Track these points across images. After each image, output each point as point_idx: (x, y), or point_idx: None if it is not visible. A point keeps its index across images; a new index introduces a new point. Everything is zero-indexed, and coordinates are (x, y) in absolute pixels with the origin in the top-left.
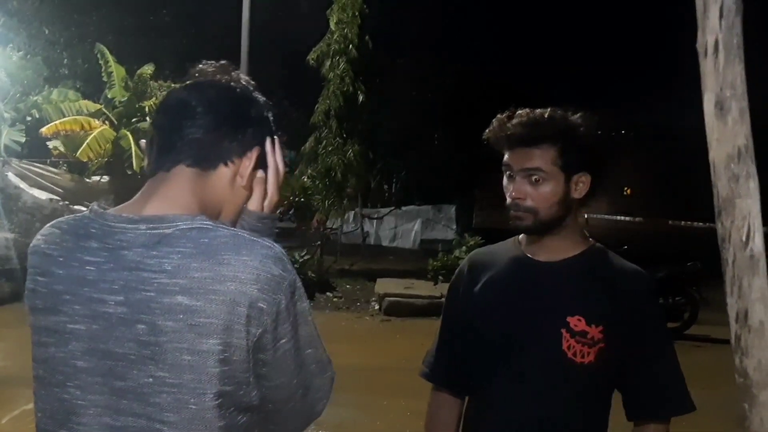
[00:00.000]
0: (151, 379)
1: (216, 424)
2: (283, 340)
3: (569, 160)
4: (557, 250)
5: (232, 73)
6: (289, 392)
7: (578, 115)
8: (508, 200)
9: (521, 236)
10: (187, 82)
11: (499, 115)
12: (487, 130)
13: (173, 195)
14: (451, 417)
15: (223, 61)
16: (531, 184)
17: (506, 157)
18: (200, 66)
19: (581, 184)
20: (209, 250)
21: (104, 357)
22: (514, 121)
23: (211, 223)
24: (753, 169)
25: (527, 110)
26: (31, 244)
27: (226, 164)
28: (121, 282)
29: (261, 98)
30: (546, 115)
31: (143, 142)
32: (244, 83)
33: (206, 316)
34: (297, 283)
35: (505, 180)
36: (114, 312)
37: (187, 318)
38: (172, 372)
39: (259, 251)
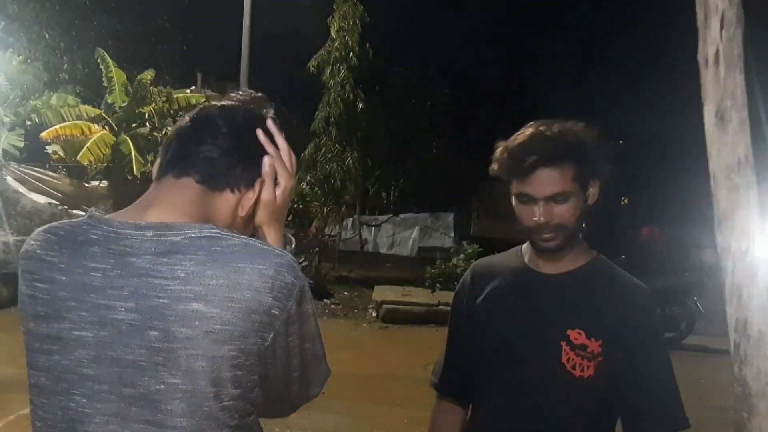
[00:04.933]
0: (162, 386)
1: (228, 424)
2: (291, 338)
3: (584, 172)
4: (562, 262)
5: (265, 108)
6: (289, 381)
7: (581, 126)
8: (531, 224)
9: (524, 247)
10: (222, 103)
11: (503, 143)
12: (494, 163)
13: (177, 203)
14: (452, 426)
15: (260, 94)
16: (555, 203)
17: (521, 185)
18: (239, 92)
19: (594, 191)
20: (222, 257)
21: (112, 364)
22: (524, 144)
23: (219, 230)
24: (753, 180)
25: (531, 130)
26: (22, 249)
27: (232, 190)
28: (130, 288)
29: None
30: (556, 131)
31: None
32: (272, 117)
33: (223, 323)
34: (305, 288)
35: (518, 205)
36: (124, 318)
37: (203, 325)
38: (185, 378)
39: (273, 260)
